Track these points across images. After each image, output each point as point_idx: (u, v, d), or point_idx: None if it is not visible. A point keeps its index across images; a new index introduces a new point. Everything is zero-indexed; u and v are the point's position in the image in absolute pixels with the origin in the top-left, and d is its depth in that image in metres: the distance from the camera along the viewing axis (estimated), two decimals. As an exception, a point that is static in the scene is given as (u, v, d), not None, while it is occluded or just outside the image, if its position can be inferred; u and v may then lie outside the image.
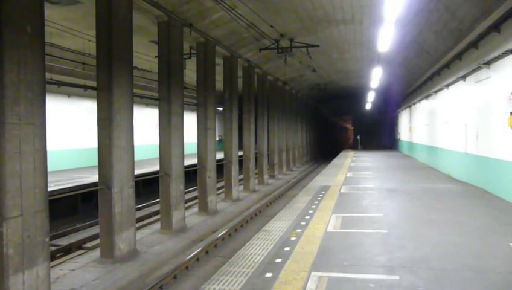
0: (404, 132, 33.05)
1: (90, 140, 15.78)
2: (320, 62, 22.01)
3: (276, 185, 21.74)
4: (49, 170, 6.54)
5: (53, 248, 10.09)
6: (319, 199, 11.35)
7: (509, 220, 8.36)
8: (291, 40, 16.40)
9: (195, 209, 14.24)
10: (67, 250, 10.74)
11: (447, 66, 15.54)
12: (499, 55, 10.20)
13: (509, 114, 9.97)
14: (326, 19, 14.51)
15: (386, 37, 12.65)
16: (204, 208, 13.69)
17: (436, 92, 18.46)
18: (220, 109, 19.70)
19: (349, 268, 5.62)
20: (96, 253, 9.00)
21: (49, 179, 6.67)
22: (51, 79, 11.55)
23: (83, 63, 15.82)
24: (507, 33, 9.62)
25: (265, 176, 21.82)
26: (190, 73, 16.81)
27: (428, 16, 13.16)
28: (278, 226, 8.23)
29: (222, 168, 16.58)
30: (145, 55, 16.31)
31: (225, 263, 6.19)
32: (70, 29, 13.00)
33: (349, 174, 17.34)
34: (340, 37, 17.17)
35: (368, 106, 39.67)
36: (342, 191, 12.74)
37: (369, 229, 7.82)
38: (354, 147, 43.70)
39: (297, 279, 5.22)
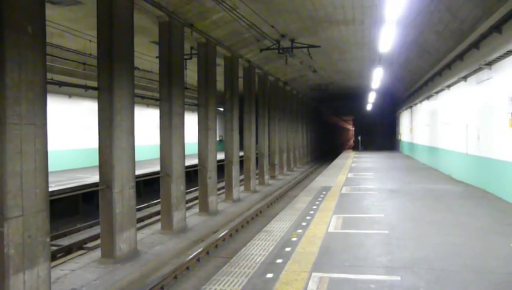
0: (405, 133, 33.03)
1: (91, 140, 15.81)
2: (321, 63, 22.00)
3: (276, 185, 21.72)
4: (50, 170, 6.54)
5: (54, 248, 10.09)
6: (320, 199, 11.34)
7: (510, 221, 8.34)
8: (292, 41, 16.39)
9: (196, 209, 14.23)
10: (68, 250, 10.74)
11: (448, 66, 15.53)
12: (501, 56, 10.19)
13: (510, 115, 9.96)
14: (327, 19, 14.51)
15: (387, 38, 12.65)
16: (205, 209, 13.68)
17: (437, 92, 18.44)
18: (221, 109, 19.72)
19: (350, 269, 5.61)
20: (97, 253, 8.99)
21: (50, 179, 6.67)
22: (52, 79, 11.55)
23: (84, 63, 15.83)
24: (508, 34, 9.61)
25: (266, 177, 21.81)
26: (191, 73, 16.80)
27: (429, 16, 13.15)
28: (278, 226, 8.23)
29: (223, 168, 16.58)
30: (146, 56, 16.31)
31: (226, 263, 6.18)
32: (71, 30, 13.01)
33: (350, 175, 17.32)
34: (341, 38, 17.16)
35: (369, 107, 39.63)
36: (343, 191, 12.73)
37: (370, 229, 7.82)
38: (355, 148, 43.66)
39: (298, 280, 5.21)
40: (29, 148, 6.05)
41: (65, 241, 11.36)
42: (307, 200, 11.23)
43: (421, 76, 21.35)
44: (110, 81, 8.46)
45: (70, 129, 19.45)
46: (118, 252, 8.54)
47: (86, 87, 10.38)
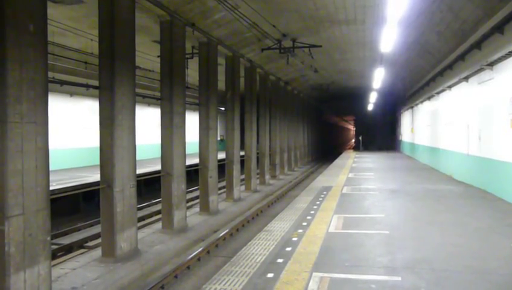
0: (406, 133, 33.00)
1: (92, 139, 15.83)
2: (323, 62, 21.99)
3: (277, 185, 21.72)
4: (50, 168, 6.54)
5: (54, 247, 10.10)
6: (320, 199, 11.34)
7: (511, 222, 8.34)
8: (294, 40, 16.39)
9: (197, 209, 14.24)
10: (69, 249, 10.75)
11: (449, 67, 15.51)
12: (502, 56, 10.17)
13: (511, 115, 9.94)
14: (329, 19, 14.49)
15: (389, 38, 12.63)
16: (205, 208, 13.69)
17: (438, 93, 18.42)
18: (222, 108, 19.70)
19: (351, 269, 5.61)
20: (98, 252, 9.00)
21: (51, 178, 6.67)
22: (53, 78, 11.56)
23: (86, 62, 15.84)
24: (510, 34, 9.59)
25: (267, 176, 21.81)
26: (192, 73, 16.80)
27: (431, 16, 13.13)
28: (279, 226, 8.22)
29: (224, 168, 16.58)
30: (147, 55, 16.31)
31: (226, 262, 6.18)
32: (72, 29, 13.02)
33: (351, 175, 17.31)
34: (342, 38, 17.15)
35: (370, 107, 39.60)
36: (344, 191, 12.72)
37: (371, 230, 7.81)
38: (356, 148, 43.62)
39: (299, 279, 5.21)
40: (30, 147, 6.05)
41: (66, 240, 11.37)
42: (307, 200, 11.22)
43: (423, 76, 21.33)
44: (111, 80, 8.47)
45: (71, 128, 19.45)
46: (119, 251, 8.55)
47: (88, 86, 10.35)
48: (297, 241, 7.03)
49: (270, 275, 5.40)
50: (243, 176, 19.07)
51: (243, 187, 18.47)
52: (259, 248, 6.71)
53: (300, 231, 7.76)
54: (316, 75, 24.89)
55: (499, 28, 10.08)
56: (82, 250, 10.70)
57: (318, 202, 10.83)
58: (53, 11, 11.25)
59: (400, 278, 5.20)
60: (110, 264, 8.32)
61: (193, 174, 19.39)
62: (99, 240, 9.85)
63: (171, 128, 11.14)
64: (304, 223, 8.37)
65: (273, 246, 6.78)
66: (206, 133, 13.82)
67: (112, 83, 8.47)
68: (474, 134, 13.23)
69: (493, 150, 11.48)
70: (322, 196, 11.93)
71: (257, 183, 19.97)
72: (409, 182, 15.05)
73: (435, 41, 15.38)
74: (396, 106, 38.14)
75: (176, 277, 8.41)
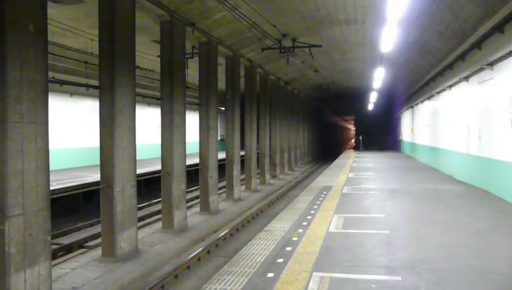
0: (406, 133, 33.00)
1: (92, 139, 15.84)
2: (323, 62, 21.98)
3: (277, 185, 21.72)
4: (50, 168, 6.54)
5: (55, 247, 10.10)
6: (320, 199, 11.34)
7: (511, 221, 8.34)
8: (294, 40, 16.38)
9: (197, 208, 14.23)
10: (69, 249, 10.75)
11: (449, 66, 15.50)
12: (502, 56, 10.18)
13: (511, 115, 9.95)
14: (329, 19, 14.49)
15: (389, 38, 12.64)
16: (205, 208, 13.68)
17: (438, 92, 18.42)
18: (222, 108, 19.69)
19: (351, 269, 5.61)
20: (98, 252, 8.99)
21: (51, 177, 6.67)
22: (53, 78, 11.55)
23: (86, 62, 15.84)
24: (511, 34, 9.59)
25: (267, 176, 21.80)
26: (192, 72, 16.79)
27: (431, 16, 13.12)
28: (279, 226, 8.22)
29: (224, 167, 16.58)
30: (147, 55, 16.31)
31: (227, 262, 6.18)
32: (73, 28, 13.01)
33: (351, 175, 17.31)
34: (342, 37, 17.14)
35: (370, 107, 39.62)
36: (344, 191, 12.72)
37: (371, 229, 7.81)
38: (356, 148, 43.63)
39: (299, 279, 5.21)
40: (30, 147, 6.05)
41: (66, 240, 11.37)
42: (307, 200, 11.22)
43: (423, 76, 21.33)
44: (111, 80, 8.46)
45: (72, 128, 19.45)
46: (119, 251, 8.54)
47: (88, 86, 10.35)
48: (297, 241, 7.03)
49: (270, 275, 5.40)
50: (243, 176, 19.07)
51: (243, 187, 18.47)
52: (259, 247, 6.71)
53: (300, 230, 7.77)
54: (316, 75, 24.88)
55: (499, 28, 10.07)
56: (82, 250, 10.70)
57: (318, 202, 10.83)
58: (53, 11, 11.24)
59: (400, 278, 5.20)
60: (110, 264, 8.32)
61: (193, 174, 19.40)
62: (99, 240, 9.85)
63: (171, 128, 11.13)
64: (304, 223, 8.37)
65: (273, 246, 6.78)
66: (206, 133, 13.82)
67: (112, 82, 8.46)
68: (474, 134, 13.23)
69: (493, 149, 11.48)
70: (322, 195, 11.93)
71: (257, 183, 19.97)
72: (409, 181, 15.05)
73: (435, 41, 15.38)
74: (396, 106, 38.14)
75: (176, 276, 8.42)
